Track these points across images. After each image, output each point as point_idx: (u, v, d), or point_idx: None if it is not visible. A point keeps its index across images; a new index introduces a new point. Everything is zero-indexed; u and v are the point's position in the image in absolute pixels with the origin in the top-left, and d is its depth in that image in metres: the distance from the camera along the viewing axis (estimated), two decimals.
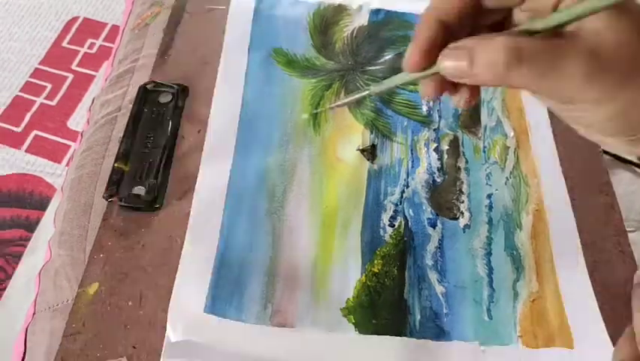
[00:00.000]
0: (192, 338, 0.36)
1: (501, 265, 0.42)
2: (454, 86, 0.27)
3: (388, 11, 0.58)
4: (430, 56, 0.25)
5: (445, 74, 0.25)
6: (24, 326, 0.39)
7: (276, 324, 0.38)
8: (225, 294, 0.39)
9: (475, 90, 0.27)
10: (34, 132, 1.18)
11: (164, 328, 0.37)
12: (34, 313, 0.40)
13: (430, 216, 0.44)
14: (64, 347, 0.36)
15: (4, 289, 0.95)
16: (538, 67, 0.22)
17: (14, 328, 0.42)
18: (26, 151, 1.15)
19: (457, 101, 0.27)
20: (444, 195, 0.46)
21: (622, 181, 0.62)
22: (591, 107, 0.24)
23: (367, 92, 0.31)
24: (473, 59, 0.23)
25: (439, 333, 0.39)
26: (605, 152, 0.50)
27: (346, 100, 0.36)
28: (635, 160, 0.28)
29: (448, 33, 0.25)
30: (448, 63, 0.24)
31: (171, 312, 0.38)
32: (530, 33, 0.24)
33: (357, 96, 0.32)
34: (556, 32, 0.23)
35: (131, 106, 0.48)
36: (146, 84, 0.49)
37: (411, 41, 0.25)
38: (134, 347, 0.36)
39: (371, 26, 0.56)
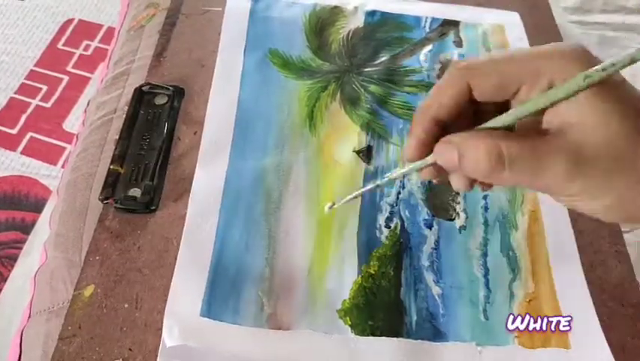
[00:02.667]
0: (188, 342, 0.36)
1: (497, 266, 0.42)
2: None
3: (384, 13, 0.58)
4: (426, 148, 0.26)
5: (441, 165, 0.26)
6: (19, 328, 0.39)
7: (273, 326, 0.38)
8: (221, 297, 0.39)
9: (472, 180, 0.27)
10: (30, 134, 1.17)
11: (161, 330, 0.37)
12: (29, 316, 0.39)
13: (426, 217, 0.45)
14: (60, 350, 0.36)
15: (0, 291, 0.94)
16: (520, 170, 0.23)
17: (9, 331, 0.42)
18: (22, 153, 1.14)
19: (456, 187, 0.28)
20: (440, 197, 0.46)
21: None
22: (582, 200, 0.24)
23: (376, 184, 0.31)
24: (461, 156, 0.24)
25: (436, 334, 0.39)
26: None
27: (357, 193, 0.33)
28: None
29: (442, 127, 0.26)
30: (440, 157, 0.25)
31: (167, 316, 0.37)
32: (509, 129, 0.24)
33: (366, 188, 0.32)
34: (541, 129, 0.24)
35: (126, 108, 0.48)
36: (141, 86, 0.49)
37: (408, 134, 0.26)
38: (130, 350, 0.36)
39: (366, 28, 0.57)
